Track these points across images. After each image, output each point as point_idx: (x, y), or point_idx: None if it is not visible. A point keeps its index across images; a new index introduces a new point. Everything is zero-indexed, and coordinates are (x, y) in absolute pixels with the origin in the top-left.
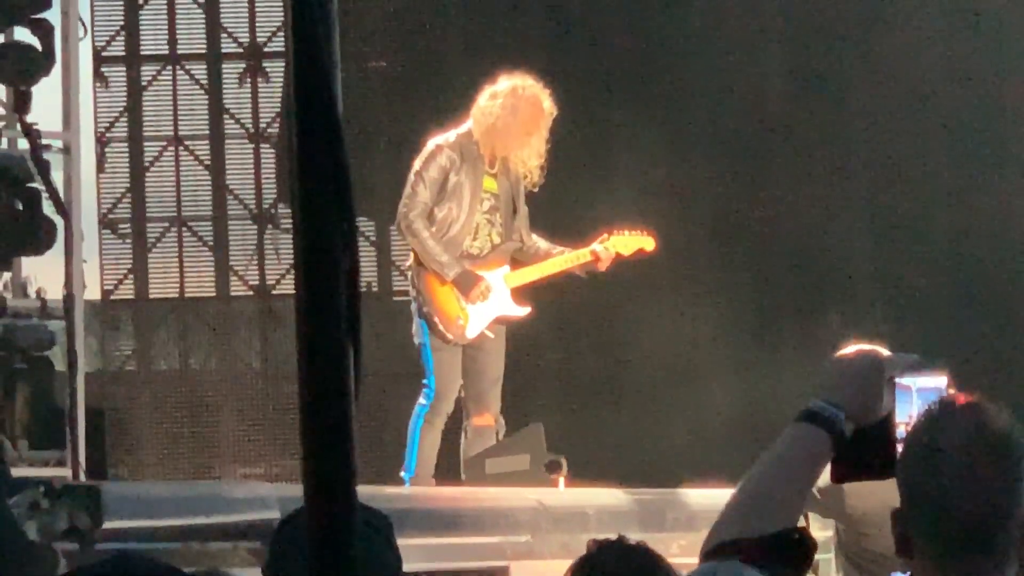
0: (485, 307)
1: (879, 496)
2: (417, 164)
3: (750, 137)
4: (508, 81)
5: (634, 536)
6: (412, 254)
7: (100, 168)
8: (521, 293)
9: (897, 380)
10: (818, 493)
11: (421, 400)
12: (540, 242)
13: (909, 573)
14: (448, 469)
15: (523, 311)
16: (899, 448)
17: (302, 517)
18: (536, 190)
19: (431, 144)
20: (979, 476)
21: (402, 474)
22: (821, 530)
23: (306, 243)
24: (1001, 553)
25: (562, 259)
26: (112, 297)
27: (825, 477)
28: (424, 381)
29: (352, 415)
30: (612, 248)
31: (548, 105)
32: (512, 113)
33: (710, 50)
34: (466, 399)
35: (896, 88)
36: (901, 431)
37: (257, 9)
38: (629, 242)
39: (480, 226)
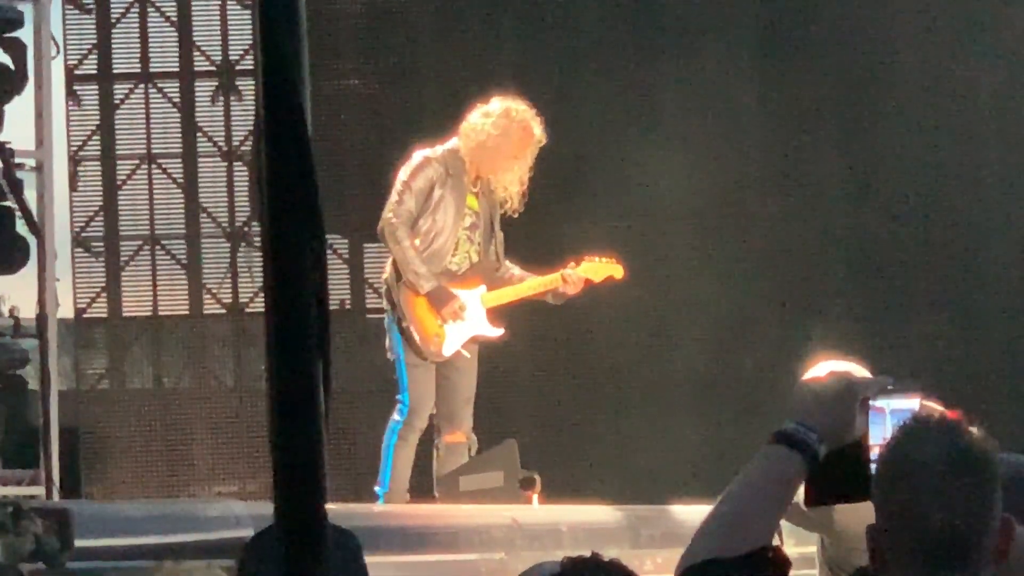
0: (461, 325)
1: (869, 511)
2: (404, 174)
3: (725, 153)
4: (502, 103)
5: (609, 553)
6: (389, 266)
7: (73, 186)
8: (494, 313)
9: (871, 402)
10: (804, 505)
11: (395, 416)
12: (513, 268)
13: None
14: (421, 487)
15: (497, 332)
16: (873, 470)
17: (271, 534)
18: (515, 216)
19: (418, 155)
20: (953, 491)
21: (376, 489)
22: (796, 547)
23: (275, 262)
24: (974, 568)
25: (536, 282)
26: (85, 315)
27: None
28: (398, 397)
29: (322, 433)
30: (582, 273)
31: (539, 133)
32: (503, 134)
33: (686, 67)
34: (438, 417)
35: (868, 97)
36: (875, 453)
37: (230, 27)
38: (599, 269)
39: (460, 242)
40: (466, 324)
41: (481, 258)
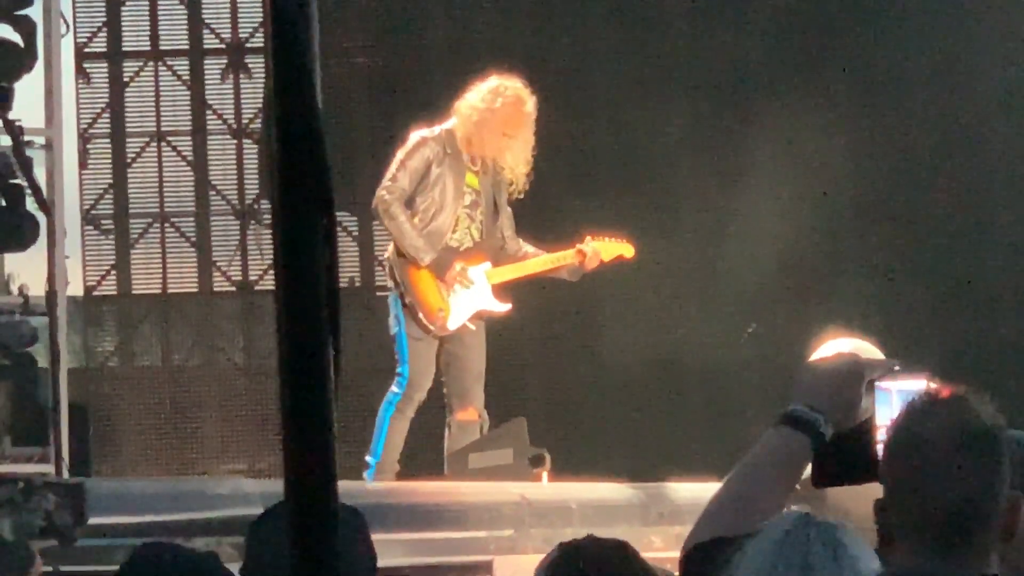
0: (467, 299)
1: (862, 493)
2: (400, 154)
3: (731, 134)
4: (495, 80)
5: (618, 530)
6: (392, 245)
7: (83, 164)
8: (502, 290)
9: (877, 384)
10: (799, 486)
11: (393, 388)
12: (525, 245)
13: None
14: (431, 464)
15: (504, 307)
16: (880, 451)
17: (279, 512)
18: (521, 196)
19: (416, 136)
20: (960, 467)
21: (367, 459)
22: None
23: (285, 239)
24: (982, 543)
25: (546, 258)
26: (95, 293)
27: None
28: (398, 370)
29: (332, 410)
30: (598, 251)
31: (530, 107)
32: (492, 110)
33: (694, 46)
34: (449, 395)
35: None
36: (882, 435)
37: (239, 5)
38: (610, 248)
39: (460, 219)
40: (471, 297)
41: (484, 236)
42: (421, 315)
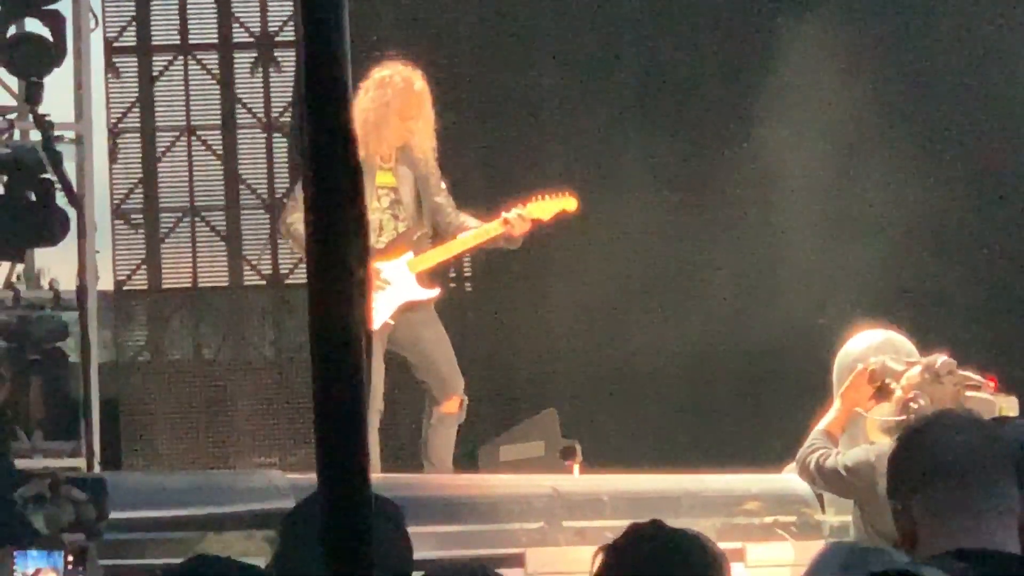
0: (384, 297)
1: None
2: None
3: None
4: (377, 73)
5: None
6: None
7: (112, 159)
8: (430, 276)
9: None
10: (845, 471)
11: None
12: (468, 220)
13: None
14: (462, 457)
15: (431, 293)
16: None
17: (312, 505)
18: (442, 168)
19: None
20: (970, 435)
21: None
22: (837, 515)
23: (316, 230)
24: (1000, 494)
25: (472, 235)
26: (125, 288)
27: (855, 455)
28: None
29: (365, 403)
30: (528, 215)
31: (420, 85)
32: (384, 104)
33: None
34: (430, 388)
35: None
36: None
37: None
38: (548, 207)
39: (384, 222)
40: (390, 294)
41: (410, 228)
42: None
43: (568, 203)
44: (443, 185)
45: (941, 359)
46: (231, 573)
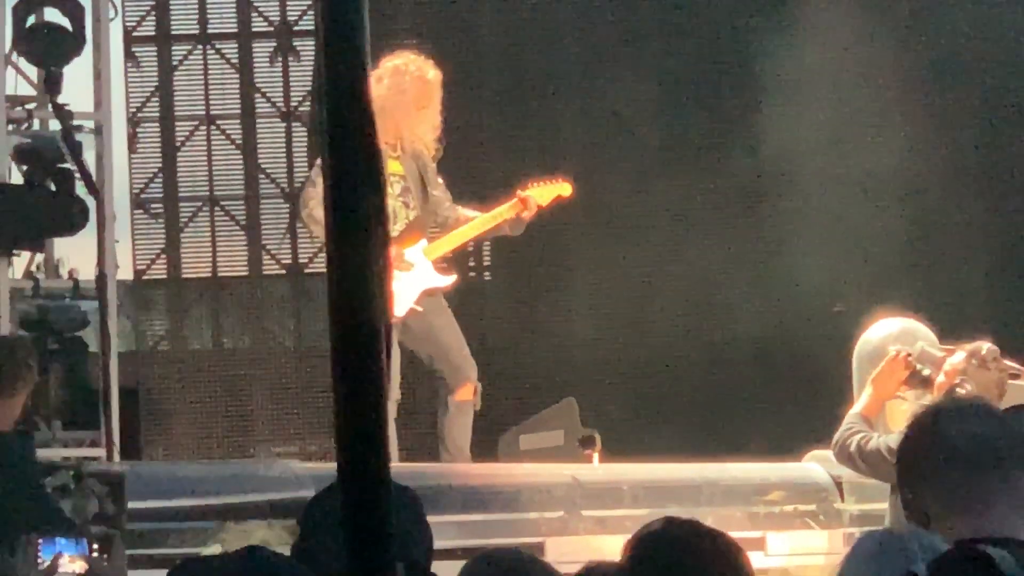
0: (408, 282)
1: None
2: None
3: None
4: (390, 62)
5: (670, 511)
6: None
7: (132, 148)
8: (444, 263)
9: None
10: (888, 453)
11: None
12: (462, 211)
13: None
14: (481, 446)
15: (448, 280)
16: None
17: (332, 494)
18: (436, 163)
19: None
20: (983, 424)
21: None
22: (858, 503)
23: (337, 219)
24: (1014, 484)
25: (484, 218)
26: (145, 277)
27: (898, 437)
28: None
29: (385, 392)
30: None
31: (433, 75)
32: (400, 93)
33: None
34: (443, 375)
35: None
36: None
37: None
38: (544, 192)
39: (397, 210)
40: (412, 279)
41: (419, 215)
42: None
43: (563, 188)
44: (440, 180)
45: (987, 346)
46: (282, 571)
